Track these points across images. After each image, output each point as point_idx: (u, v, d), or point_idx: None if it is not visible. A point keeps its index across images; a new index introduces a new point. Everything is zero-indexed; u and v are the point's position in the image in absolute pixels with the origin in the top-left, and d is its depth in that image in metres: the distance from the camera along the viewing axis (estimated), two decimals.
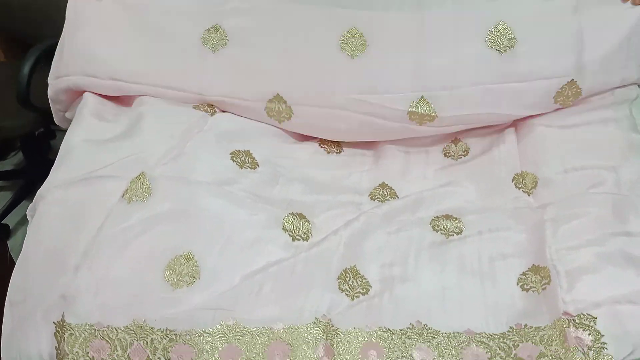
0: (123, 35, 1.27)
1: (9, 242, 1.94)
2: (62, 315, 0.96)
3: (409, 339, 0.91)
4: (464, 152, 1.29)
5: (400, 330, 0.92)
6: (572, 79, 1.22)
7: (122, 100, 1.33)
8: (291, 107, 1.26)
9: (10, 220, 2.12)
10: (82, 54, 1.27)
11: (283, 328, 0.93)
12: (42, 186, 1.11)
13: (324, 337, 0.91)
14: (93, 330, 0.94)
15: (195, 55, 1.27)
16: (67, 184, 1.09)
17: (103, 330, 0.94)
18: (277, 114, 1.27)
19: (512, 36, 1.21)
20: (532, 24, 1.22)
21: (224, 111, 1.31)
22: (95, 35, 1.27)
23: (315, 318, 0.94)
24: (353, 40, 1.23)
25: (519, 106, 1.25)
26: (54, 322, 0.97)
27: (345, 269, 1.00)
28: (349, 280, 0.99)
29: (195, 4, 1.29)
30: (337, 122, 1.26)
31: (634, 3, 1.22)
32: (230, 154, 1.20)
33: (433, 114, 1.23)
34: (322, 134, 1.33)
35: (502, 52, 1.20)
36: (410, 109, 1.23)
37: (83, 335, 0.94)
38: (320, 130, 1.32)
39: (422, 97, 1.23)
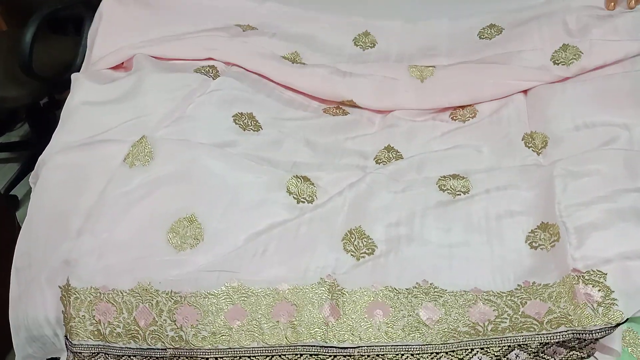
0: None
1: (17, 213, 1.95)
2: (67, 279, 0.96)
3: (415, 297, 0.90)
4: (472, 114, 1.26)
5: (407, 289, 0.91)
6: (565, 43, 1.25)
7: (118, 67, 1.32)
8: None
9: (18, 191, 2.14)
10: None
11: (288, 289, 0.92)
12: (43, 152, 1.10)
13: (330, 297, 0.91)
14: (98, 294, 0.94)
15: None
16: (68, 148, 1.09)
17: (108, 294, 0.94)
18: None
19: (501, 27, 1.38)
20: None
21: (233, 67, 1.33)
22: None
23: (320, 278, 0.93)
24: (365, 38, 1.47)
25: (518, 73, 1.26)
26: (59, 287, 0.97)
27: (351, 229, 0.99)
28: (354, 240, 0.98)
29: None
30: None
31: (630, 7, 1.27)
32: (233, 116, 1.18)
33: (431, 68, 1.31)
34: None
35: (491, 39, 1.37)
36: (410, 68, 1.33)
37: (89, 299, 0.94)
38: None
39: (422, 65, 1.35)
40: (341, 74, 1.32)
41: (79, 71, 1.31)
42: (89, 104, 1.15)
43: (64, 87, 1.23)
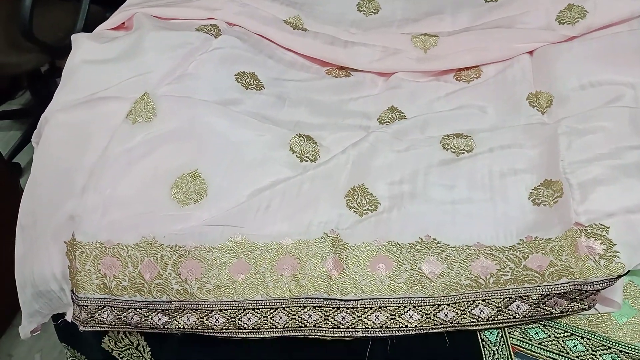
0: None
1: (20, 181, 1.96)
2: (72, 234, 0.97)
3: (417, 252, 0.90)
4: (476, 75, 1.25)
5: (409, 244, 0.91)
6: (570, 3, 1.23)
7: (119, 28, 1.31)
8: None
9: (21, 159, 2.14)
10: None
11: (291, 243, 0.93)
12: (45, 110, 1.10)
13: (333, 251, 0.91)
14: (104, 248, 0.95)
15: None
16: (70, 106, 1.08)
17: (113, 248, 0.95)
18: None
19: None
20: None
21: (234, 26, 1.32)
22: None
23: (324, 233, 0.93)
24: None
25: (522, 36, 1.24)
26: (64, 242, 0.98)
27: (354, 187, 0.99)
28: (357, 198, 0.98)
29: None
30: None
31: None
32: (235, 75, 1.17)
33: (435, 37, 1.30)
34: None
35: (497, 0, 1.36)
36: (413, 38, 1.31)
37: (94, 253, 0.95)
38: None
39: (425, 33, 1.32)
40: (342, 43, 1.31)
41: None
42: (90, 62, 1.14)
43: (65, 53, 1.22)
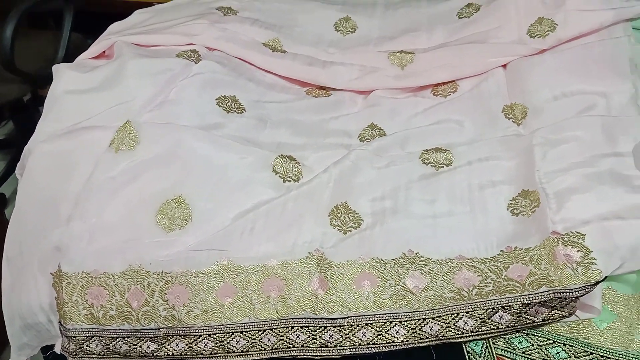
0: None
1: (6, 211, 1.95)
2: (59, 265, 0.97)
3: (401, 267, 0.92)
4: (452, 89, 1.27)
5: (393, 259, 0.93)
6: (540, 16, 1.26)
7: (100, 57, 1.33)
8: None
9: (5, 189, 2.13)
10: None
11: (277, 264, 0.94)
12: (29, 141, 1.11)
13: (318, 270, 0.93)
14: (90, 278, 0.96)
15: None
16: (53, 137, 1.09)
17: (100, 277, 0.96)
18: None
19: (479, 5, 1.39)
20: None
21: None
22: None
23: (309, 252, 0.95)
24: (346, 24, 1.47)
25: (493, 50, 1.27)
26: (51, 273, 0.98)
27: (337, 205, 1.01)
28: (341, 216, 0.99)
29: None
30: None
31: None
32: (216, 99, 1.19)
33: (411, 54, 1.32)
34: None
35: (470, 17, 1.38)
36: (390, 56, 1.33)
37: (81, 283, 0.96)
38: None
39: (401, 50, 1.35)
40: (321, 63, 1.33)
41: None
42: (71, 92, 1.15)
43: (47, 82, 1.23)
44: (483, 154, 1.07)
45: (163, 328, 0.92)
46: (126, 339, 0.94)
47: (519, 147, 1.06)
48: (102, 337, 0.95)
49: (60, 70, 1.19)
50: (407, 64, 1.31)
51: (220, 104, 1.18)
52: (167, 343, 0.92)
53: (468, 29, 1.36)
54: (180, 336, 0.92)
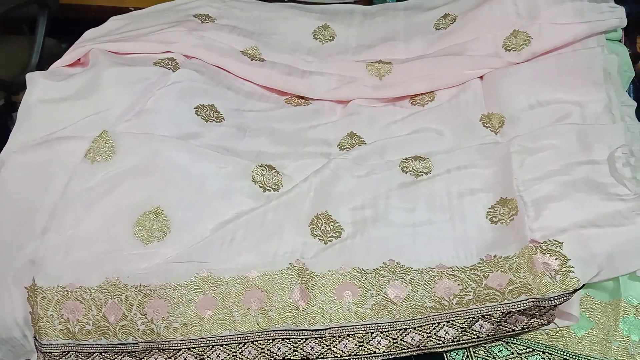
0: None
1: None
2: (33, 280, 0.95)
3: (382, 277, 0.92)
4: (430, 98, 1.28)
5: (374, 269, 0.93)
6: (515, 29, 1.27)
7: (75, 64, 1.30)
8: None
9: None
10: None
11: (257, 275, 0.93)
12: (1, 152, 1.08)
13: (299, 281, 0.92)
14: (65, 292, 0.94)
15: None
16: (27, 147, 1.07)
17: (76, 291, 0.94)
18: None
19: (455, 16, 1.39)
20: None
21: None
22: None
23: (289, 263, 0.94)
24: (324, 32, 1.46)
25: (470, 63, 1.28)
26: (25, 287, 0.96)
27: (317, 214, 1.00)
28: (321, 225, 0.99)
29: None
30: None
31: None
32: (195, 108, 1.17)
33: (389, 65, 1.33)
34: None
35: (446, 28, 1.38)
36: (368, 66, 1.33)
37: (56, 298, 0.94)
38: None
39: (379, 60, 1.35)
40: (299, 73, 1.33)
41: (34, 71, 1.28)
42: (45, 101, 1.13)
43: (21, 88, 1.21)
44: (462, 162, 1.08)
45: (141, 342, 0.91)
46: (103, 354, 0.92)
47: (496, 155, 1.07)
48: (78, 352, 0.93)
49: (34, 79, 1.17)
50: (385, 74, 1.32)
51: (198, 112, 1.17)
52: (145, 358, 0.91)
53: (445, 41, 1.36)
54: (159, 350, 0.91)
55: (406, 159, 1.11)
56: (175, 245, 0.97)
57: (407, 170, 1.08)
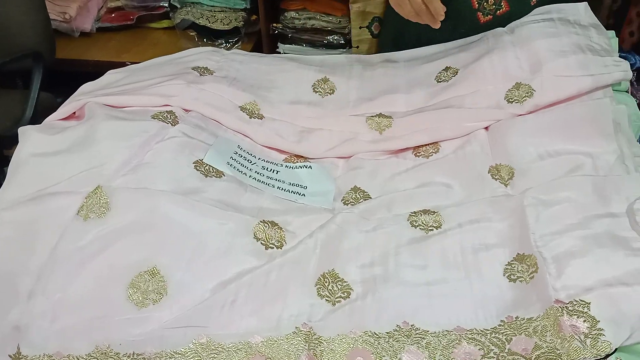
0: None
1: None
2: (18, 347, 0.88)
3: (396, 341, 0.85)
4: (434, 149, 1.25)
5: (387, 333, 0.86)
6: (518, 82, 1.25)
7: (70, 118, 1.27)
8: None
9: None
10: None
11: (261, 341, 0.86)
12: None
13: (306, 347, 0.85)
14: None
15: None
16: (16, 204, 1.01)
17: None
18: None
19: (457, 69, 1.37)
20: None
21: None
22: None
23: (296, 327, 0.87)
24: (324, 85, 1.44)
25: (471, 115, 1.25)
26: (9, 355, 0.88)
27: (324, 273, 0.95)
28: (329, 285, 0.93)
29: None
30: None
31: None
32: (194, 163, 1.13)
33: (389, 119, 1.30)
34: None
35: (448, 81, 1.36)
36: (368, 119, 1.31)
37: None
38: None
39: (379, 113, 1.33)
40: (298, 133, 1.30)
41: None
42: (38, 155, 1.08)
43: (13, 142, 1.17)
44: (473, 216, 1.04)
45: None
46: None
47: (509, 208, 1.03)
48: None
49: (26, 133, 1.13)
50: (385, 128, 1.29)
51: (198, 167, 1.13)
52: None
53: (446, 93, 1.34)
54: None
55: (415, 212, 1.06)
56: (173, 308, 0.90)
57: (417, 224, 1.03)
